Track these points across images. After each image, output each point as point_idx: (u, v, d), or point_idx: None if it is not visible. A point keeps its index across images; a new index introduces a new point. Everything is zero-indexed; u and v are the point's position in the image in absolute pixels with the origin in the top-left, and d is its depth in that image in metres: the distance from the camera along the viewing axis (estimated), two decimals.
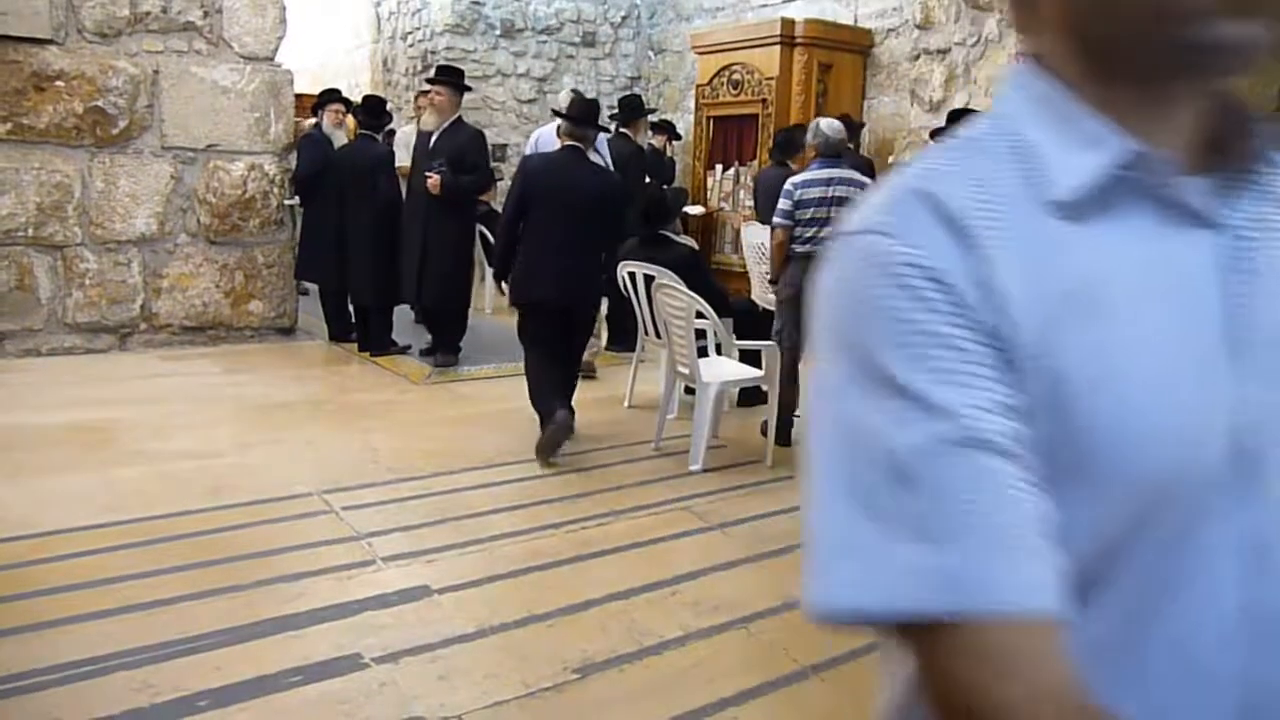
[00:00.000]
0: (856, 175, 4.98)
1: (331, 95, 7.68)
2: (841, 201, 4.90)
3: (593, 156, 5.10)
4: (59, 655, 2.71)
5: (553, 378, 4.76)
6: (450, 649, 2.89)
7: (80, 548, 3.44)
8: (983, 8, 4.84)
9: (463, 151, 6.16)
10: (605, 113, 10.34)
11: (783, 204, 5.02)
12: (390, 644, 2.89)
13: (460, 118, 6.37)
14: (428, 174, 6.07)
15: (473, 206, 6.68)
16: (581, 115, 4.89)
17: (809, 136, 5.24)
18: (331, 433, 5.09)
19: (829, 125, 5.12)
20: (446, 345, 6.62)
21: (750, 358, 5.21)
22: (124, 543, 3.51)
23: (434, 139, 6.26)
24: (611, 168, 8.28)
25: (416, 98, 8.99)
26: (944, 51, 5.14)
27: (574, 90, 6.89)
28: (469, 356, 6.78)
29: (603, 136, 8.76)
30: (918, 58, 5.48)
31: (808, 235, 4.96)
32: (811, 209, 4.94)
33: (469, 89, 6.69)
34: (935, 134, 4.26)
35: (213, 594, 3.13)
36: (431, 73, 6.81)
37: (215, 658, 2.76)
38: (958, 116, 4.19)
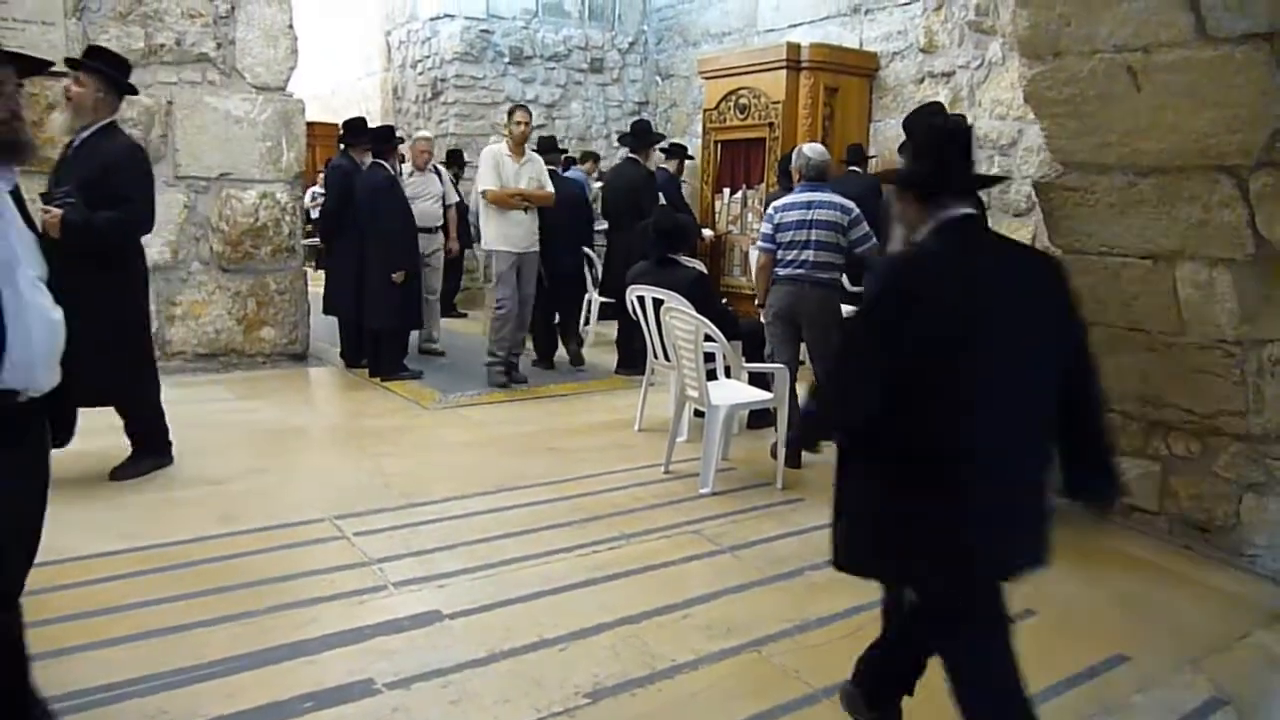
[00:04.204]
0: (838, 198, 5.00)
1: (384, 130, 7.58)
2: (823, 225, 4.92)
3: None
4: (73, 682, 2.72)
5: None
6: (462, 674, 2.90)
7: (94, 574, 3.46)
8: (985, 31, 4.88)
9: (105, 172, 4.21)
10: (612, 139, 10.48)
11: (764, 228, 5.06)
12: (402, 669, 2.90)
13: (114, 123, 4.43)
14: (46, 208, 4.03)
15: (128, 260, 4.48)
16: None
17: (793, 161, 5.28)
18: (343, 458, 5.11)
19: (811, 150, 5.18)
20: None
21: (760, 380, 5.22)
22: (138, 569, 3.53)
23: (71, 149, 4.37)
24: (590, 196, 8.47)
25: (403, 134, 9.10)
26: (948, 74, 5.18)
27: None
28: (479, 381, 6.80)
29: (576, 169, 9.01)
30: (922, 81, 5.52)
31: (789, 258, 4.98)
32: (791, 232, 4.97)
33: (131, 88, 4.56)
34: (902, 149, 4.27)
35: (225, 620, 3.15)
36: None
37: (228, 684, 2.77)
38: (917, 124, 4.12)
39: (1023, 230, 4.74)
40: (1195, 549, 4.09)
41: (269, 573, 3.54)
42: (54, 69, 2.96)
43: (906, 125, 3.27)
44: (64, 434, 2.36)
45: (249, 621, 3.17)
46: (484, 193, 6.60)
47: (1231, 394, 3.86)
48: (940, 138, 2.33)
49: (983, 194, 4.57)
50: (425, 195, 7.66)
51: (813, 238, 4.94)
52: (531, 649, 3.06)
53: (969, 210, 2.21)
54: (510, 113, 6.83)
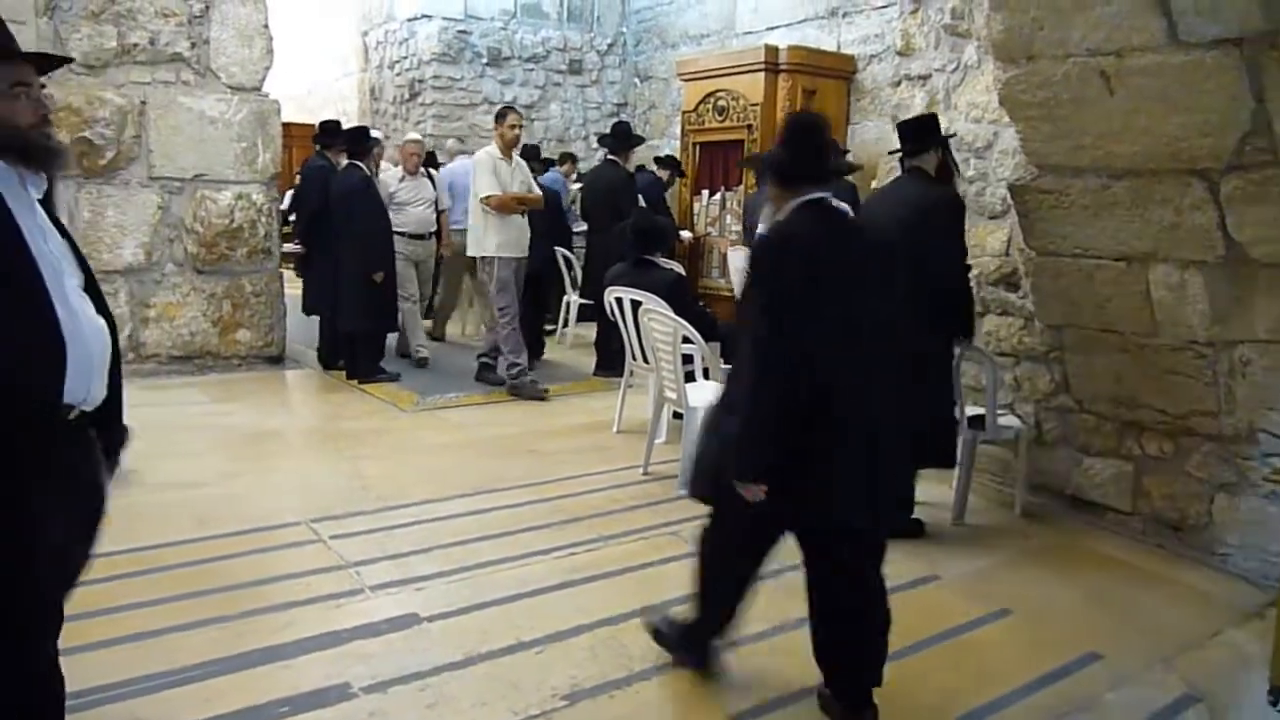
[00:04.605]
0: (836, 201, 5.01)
1: (359, 131, 7.45)
2: None
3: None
4: None
5: None
6: (439, 677, 2.89)
7: None
8: (961, 35, 4.91)
9: None
10: (591, 140, 10.48)
11: (762, 227, 5.06)
12: (379, 673, 2.88)
13: None
14: None
15: None
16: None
17: None
18: (319, 461, 5.09)
19: None
20: None
21: None
22: (111, 574, 3.48)
23: None
24: (569, 198, 8.44)
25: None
26: (925, 77, 5.21)
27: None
28: (458, 383, 6.80)
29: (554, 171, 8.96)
30: (899, 83, 5.55)
31: None
32: None
33: None
34: (893, 153, 4.32)
35: (200, 625, 3.12)
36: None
37: (204, 689, 2.75)
38: (909, 130, 4.19)
39: (999, 233, 4.78)
40: (1168, 548, 4.13)
41: (244, 577, 3.52)
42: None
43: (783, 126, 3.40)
44: (118, 447, 2.24)
45: (224, 626, 3.14)
46: (486, 199, 6.40)
47: (1203, 394, 3.91)
48: (799, 134, 2.74)
49: (965, 194, 4.62)
50: (418, 200, 7.53)
51: None
52: (509, 651, 3.05)
53: (822, 194, 2.64)
54: (502, 115, 6.64)
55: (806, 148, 2.70)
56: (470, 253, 6.79)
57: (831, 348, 2.49)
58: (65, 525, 2.03)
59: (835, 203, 2.69)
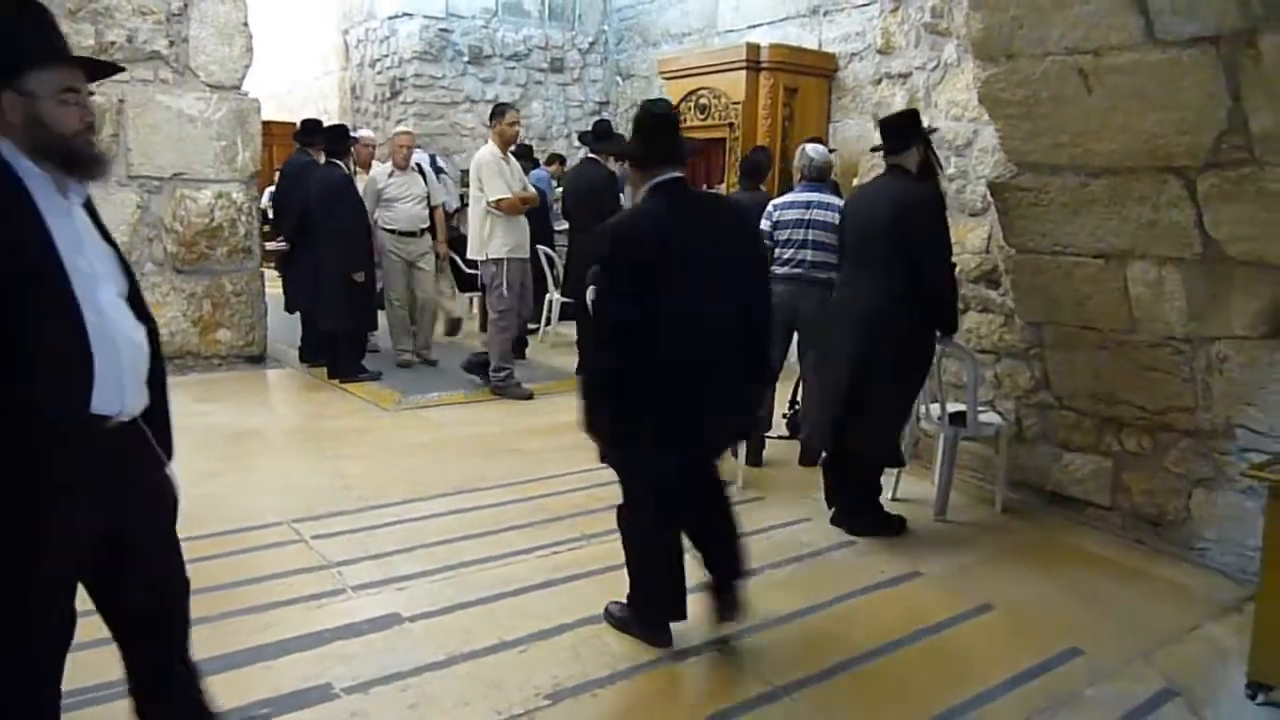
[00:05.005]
0: (836, 200, 5.05)
1: (337, 129, 7.32)
2: (820, 225, 4.96)
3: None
4: None
5: None
6: (421, 677, 2.88)
7: None
8: (941, 33, 4.92)
9: None
10: (573, 138, 10.47)
11: (763, 225, 5.09)
12: (360, 673, 2.87)
13: None
14: None
15: None
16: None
17: (795, 160, 5.33)
18: (301, 460, 5.06)
19: (814, 150, 5.24)
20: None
21: None
22: None
23: None
24: (551, 197, 8.42)
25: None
26: (905, 76, 5.22)
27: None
28: (440, 382, 6.78)
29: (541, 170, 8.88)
30: (880, 81, 5.55)
31: (785, 257, 5.02)
32: (789, 230, 5.01)
33: None
34: (875, 150, 4.34)
35: None
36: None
37: None
38: (890, 127, 4.20)
39: (979, 230, 4.80)
40: (1147, 543, 4.16)
41: (226, 578, 3.49)
42: None
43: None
44: (166, 453, 2.24)
45: (206, 627, 3.10)
46: (498, 202, 6.20)
47: (1181, 390, 3.94)
48: (652, 121, 3.04)
49: (946, 191, 4.64)
50: (407, 197, 7.21)
51: (810, 237, 4.98)
52: (491, 651, 3.05)
53: (676, 174, 2.97)
54: (501, 111, 6.44)
55: (659, 134, 3.02)
56: (472, 255, 6.56)
57: (674, 317, 2.84)
58: (120, 529, 2.05)
59: (691, 185, 3.14)
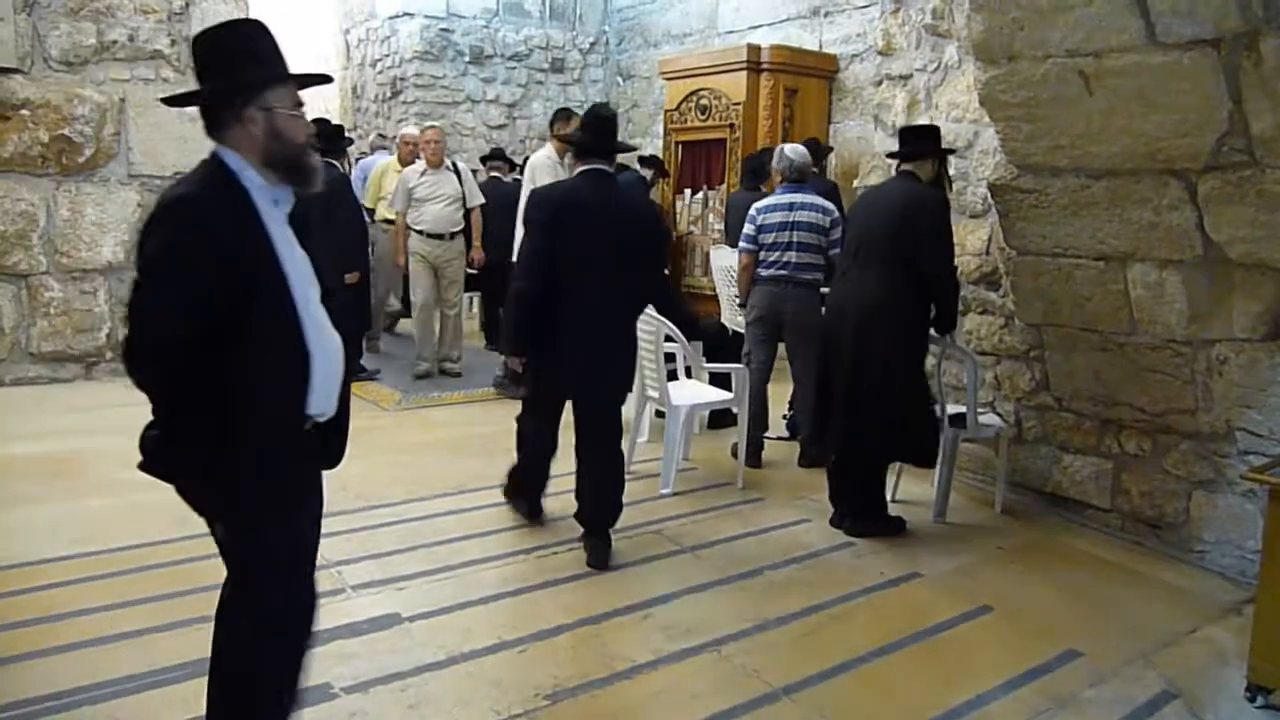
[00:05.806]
0: (819, 200, 5.04)
1: (334, 129, 7.20)
2: (804, 226, 4.95)
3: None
4: (21, 691, 2.68)
5: None
6: (421, 677, 2.88)
7: (45, 580, 3.40)
8: (942, 35, 4.92)
9: None
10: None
11: (747, 229, 5.08)
12: (360, 673, 2.87)
13: None
14: None
15: None
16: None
17: (774, 162, 5.31)
18: None
19: (793, 150, 5.20)
20: None
21: (720, 380, 5.24)
22: (90, 575, 3.47)
23: None
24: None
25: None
26: (905, 77, 5.22)
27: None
28: (440, 382, 6.78)
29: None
30: (880, 83, 5.55)
31: (772, 259, 5.01)
32: (774, 233, 4.99)
33: None
34: (891, 155, 4.34)
35: (180, 625, 3.10)
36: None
37: (182, 690, 2.73)
38: (910, 134, 4.25)
39: (979, 232, 4.80)
40: (1146, 545, 4.16)
41: (223, 577, 3.48)
42: None
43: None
44: (337, 456, 2.34)
45: (203, 627, 3.08)
46: None
47: (1181, 393, 3.94)
48: (595, 121, 3.88)
49: (951, 195, 4.64)
50: (438, 197, 6.77)
51: (795, 239, 4.96)
52: (491, 651, 3.05)
53: (602, 166, 3.80)
54: (566, 116, 6.07)
55: (600, 132, 3.82)
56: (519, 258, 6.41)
57: (570, 274, 3.64)
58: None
59: (614, 176, 3.96)
